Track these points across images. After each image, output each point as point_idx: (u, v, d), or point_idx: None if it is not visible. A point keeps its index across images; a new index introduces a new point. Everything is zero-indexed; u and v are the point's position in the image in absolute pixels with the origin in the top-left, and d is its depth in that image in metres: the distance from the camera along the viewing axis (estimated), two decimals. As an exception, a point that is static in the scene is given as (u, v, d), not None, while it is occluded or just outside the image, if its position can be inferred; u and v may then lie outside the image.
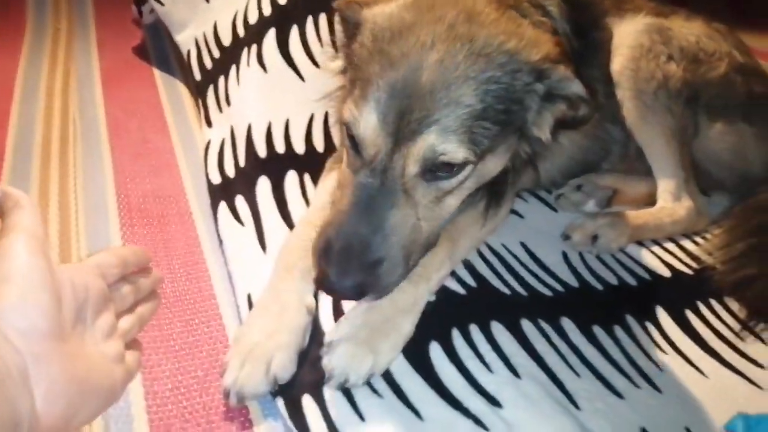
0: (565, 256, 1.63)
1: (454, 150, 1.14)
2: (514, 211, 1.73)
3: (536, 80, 1.22)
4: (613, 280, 1.57)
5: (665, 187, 1.77)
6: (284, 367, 1.19)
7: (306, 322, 1.28)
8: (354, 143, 1.20)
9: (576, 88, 1.24)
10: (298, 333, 1.24)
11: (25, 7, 2.83)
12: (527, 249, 1.62)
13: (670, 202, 1.76)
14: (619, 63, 1.77)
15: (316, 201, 1.52)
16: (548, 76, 1.22)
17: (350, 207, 1.17)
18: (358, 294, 1.17)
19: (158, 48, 2.62)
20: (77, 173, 1.83)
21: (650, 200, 1.80)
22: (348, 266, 1.13)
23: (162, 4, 2.43)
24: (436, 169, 1.17)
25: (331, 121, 1.82)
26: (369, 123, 1.14)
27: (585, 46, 1.73)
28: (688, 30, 1.86)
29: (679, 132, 1.76)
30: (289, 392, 1.19)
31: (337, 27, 1.44)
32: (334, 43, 1.44)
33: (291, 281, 1.31)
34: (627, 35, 1.81)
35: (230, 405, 1.19)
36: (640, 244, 1.72)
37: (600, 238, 1.64)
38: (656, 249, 1.71)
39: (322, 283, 1.17)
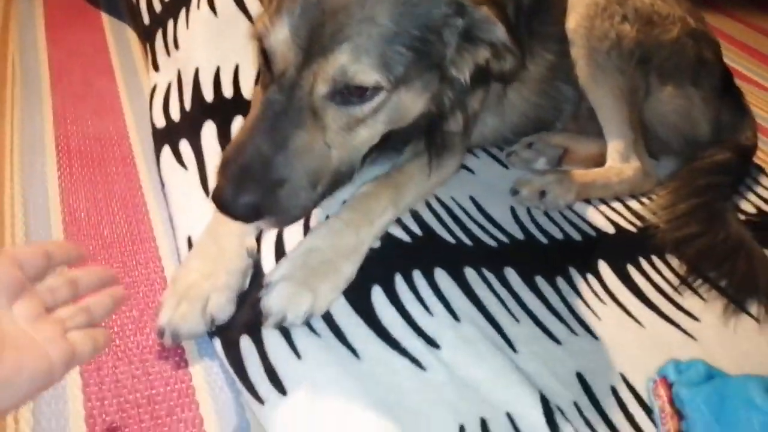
0: (512, 210, 1.63)
1: (365, 71, 1.10)
2: (465, 167, 1.73)
3: (455, 14, 1.19)
4: (559, 235, 1.58)
5: (614, 147, 1.78)
6: (221, 308, 1.17)
7: (246, 264, 1.25)
8: (266, 58, 1.16)
9: (499, 33, 1.22)
10: (237, 275, 1.22)
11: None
12: (476, 202, 1.61)
13: (618, 162, 1.77)
14: (574, 21, 1.76)
15: None
16: (468, 13, 1.20)
17: (254, 123, 1.12)
18: (253, 213, 1.10)
19: (107, -7, 2.52)
20: (14, 113, 1.75)
21: (600, 160, 1.81)
22: (245, 183, 1.07)
23: (111, -56, 2.32)
24: (346, 92, 1.13)
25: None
26: (279, 35, 1.10)
27: (539, 2, 1.74)
28: (645, -8, 1.86)
29: (630, 93, 1.77)
30: (226, 332, 1.17)
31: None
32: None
33: (231, 223, 1.25)
34: (583, -6, 1.80)
35: (165, 344, 1.16)
36: (588, 202, 1.73)
37: (548, 194, 1.65)
38: (602, 207, 1.73)
39: (217, 199, 1.09)
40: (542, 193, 1.65)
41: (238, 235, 1.26)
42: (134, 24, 2.25)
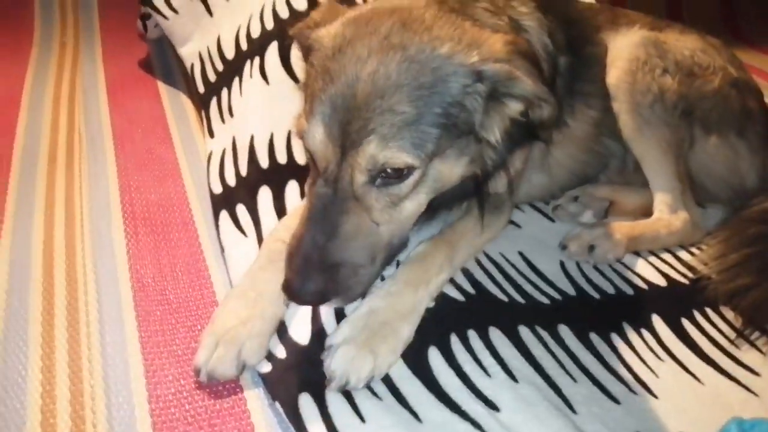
0: (562, 265, 1.65)
1: (394, 156, 1.18)
2: (511, 222, 1.75)
3: (475, 81, 1.24)
4: (610, 289, 1.59)
5: (662, 198, 1.78)
6: (254, 353, 1.25)
7: (281, 312, 1.33)
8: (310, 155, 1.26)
9: (525, 86, 1.25)
10: (271, 322, 1.30)
11: (32, 22, 2.88)
12: (525, 258, 1.64)
13: (667, 213, 1.77)
14: (615, 76, 1.79)
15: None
16: (487, 76, 1.24)
17: (307, 217, 1.22)
18: (320, 298, 1.21)
19: (162, 61, 2.66)
20: (83, 181, 1.86)
21: (647, 211, 1.82)
22: (307, 272, 1.18)
23: (166, 18, 2.47)
24: (384, 175, 1.21)
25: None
26: (316, 136, 1.21)
27: (579, 61, 1.78)
28: (683, 44, 1.88)
29: (676, 145, 1.79)
30: (287, 393, 1.21)
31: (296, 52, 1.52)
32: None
33: (272, 271, 1.35)
34: (622, 48, 1.83)
35: (200, 382, 1.25)
36: (637, 254, 1.73)
37: (596, 249, 1.66)
38: (652, 259, 1.73)
39: (286, 290, 1.20)
40: (591, 248, 1.67)
41: (276, 282, 1.31)
42: (189, 92, 2.37)
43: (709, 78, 1.86)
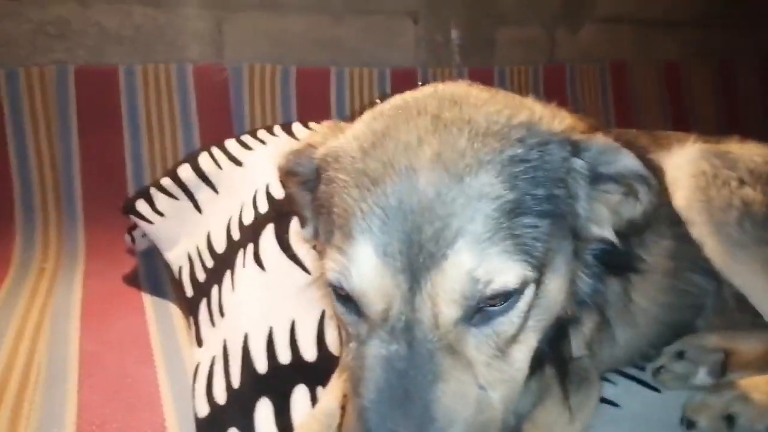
0: (693, 452, 1.16)
1: (502, 267, 0.78)
2: (603, 400, 1.30)
3: (573, 154, 0.91)
4: (780, 479, 1.08)
5: (790, 335, 1.35)
6: None
7: None
8: (351, 306, 0.85)
9: (628, 160, 0.93)
10: None
11: (11, 247, 2.65)
12: (639, 449, 1.16)
13: (804, 352, 1.33)
14: (683, 197, 1.48)
15: (326, 394, 1.20)
16: (586, 147, 0.91)
17: (375, 397, 0.76)
18: None
19: (151, 273, 2.38)
20: (29, 427, 1.43)
21: (775, 357, 1.37)
22: None
23: (151, 222, 2.23)
24: (483, 304, 0.79)
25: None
26: (365, 264, 0.80)
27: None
28: (749, 151, 1.61)
29: (780, 263, 1.40)
30: None
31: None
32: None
33: None
34: (682, 165, 1.54)
35: None
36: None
37: (737, 419, 1.20)
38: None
39: None
40: (729, 419, 1.20)
41: None
42: (178, 300, 2.06)
43: (793, 181, 1.53)
